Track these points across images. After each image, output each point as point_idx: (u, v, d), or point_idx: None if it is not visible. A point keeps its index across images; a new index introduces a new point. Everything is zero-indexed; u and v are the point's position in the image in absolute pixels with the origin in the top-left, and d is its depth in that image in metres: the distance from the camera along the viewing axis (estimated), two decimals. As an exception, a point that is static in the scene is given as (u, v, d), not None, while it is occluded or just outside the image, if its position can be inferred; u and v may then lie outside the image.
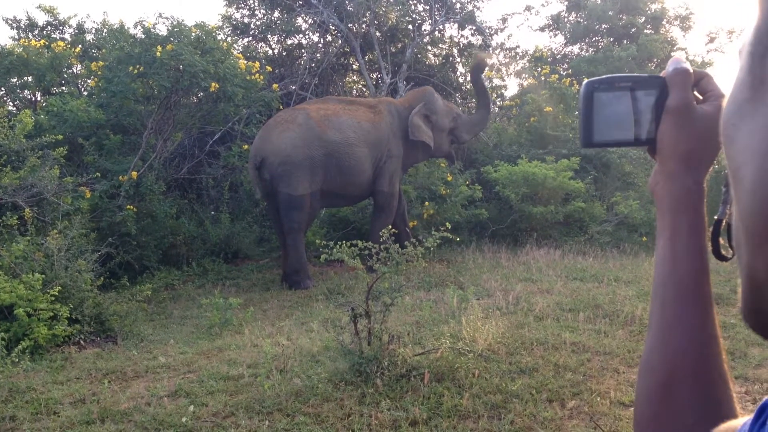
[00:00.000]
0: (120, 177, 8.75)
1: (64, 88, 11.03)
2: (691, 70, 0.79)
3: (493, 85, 16.14)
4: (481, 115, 10.04)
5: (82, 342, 6.02)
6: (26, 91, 11.01)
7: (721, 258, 0.75)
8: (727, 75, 0.48)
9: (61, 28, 12.19)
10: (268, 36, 14.30)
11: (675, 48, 16.13)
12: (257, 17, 14.15)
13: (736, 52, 0.48)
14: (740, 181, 0.45)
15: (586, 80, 0.83)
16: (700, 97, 0.80)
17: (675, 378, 0.71)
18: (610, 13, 15.97)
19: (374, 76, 14.26)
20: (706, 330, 0.72)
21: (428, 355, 4.82)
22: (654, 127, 0.80)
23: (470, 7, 14.27)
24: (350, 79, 15.54)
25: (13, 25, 11.93)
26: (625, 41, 15.73)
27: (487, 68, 12.50)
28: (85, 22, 12.25)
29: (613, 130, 0.82)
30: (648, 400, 0.73)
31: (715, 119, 0.75)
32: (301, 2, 13.59)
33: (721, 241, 0.74)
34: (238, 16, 14.12)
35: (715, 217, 0.72)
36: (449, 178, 10.66)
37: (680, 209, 0.76)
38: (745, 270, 0.47)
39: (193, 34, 9.45)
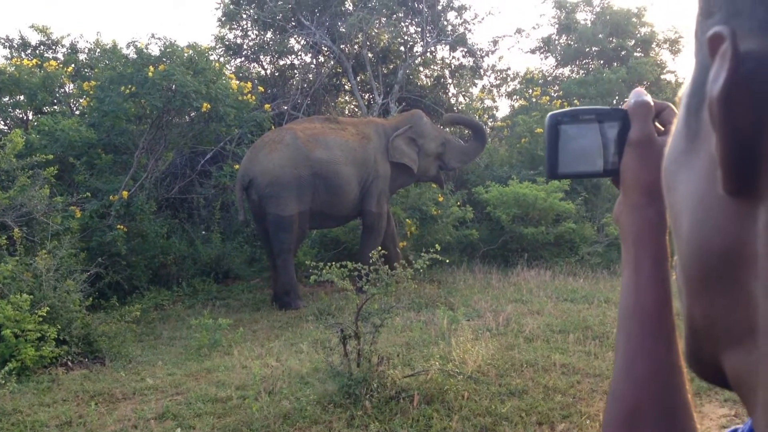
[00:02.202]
0: (111, 196, 8.74)
1: (56, 107, 11.02)
2: (652, 103, 0.80)
3: (485, 106, 16.26)
4: (473, 147, 10.00)
5: (69, 363, 5.98)
6: (18, 110, 11.00)
7: None
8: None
9: (53, 47, 12.22)
10: (261, 56, 14.39)
11: (664, 71, 16.30)
12: (250, 38, 14.26)
13: (677, 98, 0.49)
14: (679, 229, 0.47)
15: (549, 113, 0.84)
16: (662, 129, 0.81)
17: (640, 407, 0.72)
18: (600, 36, 16.13)
19: (366, 96, 14.34)
20: (670, 360, 0.73)
21: (417, 376, 4.80)
22: (617, 158, 0.81)
23: (461, 29, 14.41)
24: (342, 100, 15.63)
25: (6, 44, 11.96)
26: (615, 64, 15.89)
27: (458, 115, 12.56)
28: (78, 41, 12.27)
29: (578, 162, 0.83)
30: (614, 428, 0.74)
31: None
32: (293, 23, 13.68)
33: None
34: (231, 36, 14.22)
35: None
36: (440, 199, 10.68)
37: (643, 240, 0.77)
38: (685, 316, 0.48)
39: (186, 54, 9.49)
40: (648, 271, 0.76)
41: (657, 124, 0.81)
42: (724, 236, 0.41)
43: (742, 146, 0.38)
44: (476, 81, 15.77)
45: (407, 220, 10.36)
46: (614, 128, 0.81)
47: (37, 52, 11.99)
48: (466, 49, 14.66)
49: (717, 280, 0.42)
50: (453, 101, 15.03)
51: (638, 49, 16.53)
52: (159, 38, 10.18)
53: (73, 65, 11.52)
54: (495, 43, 15.47)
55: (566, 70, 17.43)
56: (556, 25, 17.21)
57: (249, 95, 10.54)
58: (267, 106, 11.64)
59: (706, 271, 0.43)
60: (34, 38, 12.10)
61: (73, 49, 12.16)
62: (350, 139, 8.90)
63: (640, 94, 0.81)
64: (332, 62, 14.02)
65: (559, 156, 0.83)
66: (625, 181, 0.80)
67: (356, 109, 14.61)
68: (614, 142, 0.81)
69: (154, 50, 9.79)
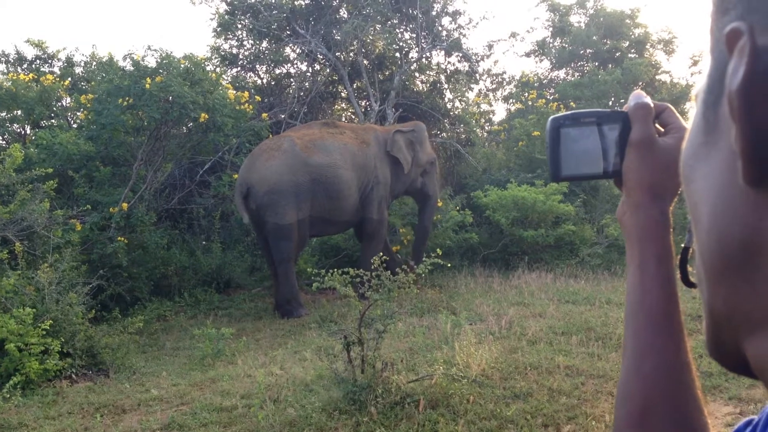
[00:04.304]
0: (110, 209, 8.75)
1: (53, 121, 11.05)
2: (652, 104, 0.82)
3: (481, 110, 16.29)
4: (435, 200, 9.97)
5: (73, 376, 5.98)
6: (15, 124, 11.01)
7: (689, 284, 0.78)
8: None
9: (50, 61, 12.22)
10: (257, 66, 14.40)
11: (659, 71, 16.34)
12: (245, 48, 14.25)
13: (693, 95, 0.51)
14: (698, 220, 0.48)
15: (551, 117, 0.86)
16: (662, 130, 0.83)
17: (650, 405, 0.73)
18: (594, 38, 16.17)
19: (363, 103, 14.36)
20: (678, 357, 0.74)
21: (422, 381, 4.81)
22: (619, 160, 0.83)
23: (456, 34, 14.43)
24: (339, 107, 15.65)
25: (2, 59, 11.98)
26: (609, 65, 15.91)
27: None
28: (74, 55, 12.27)
29: (580, 164, 0.85)
30: (626, 428, 0.75)
31: (677, 151, 0.78)
32: (288, 32, 13.70)
33: (690, 268, 0.77)
34: (226, 47, 14.22)
35: (682, 245, 0.75)
36: (439, 204, 10.70)
37: (647, 239, 0.79)
38: (705, 305, 0.49)
39: (182, 65, 9.51)
40: (653, 270, 0.77)
41: (657, 125, 0.83)
42: (744, 225, 0.43)
43: (761, 138, 0.39)
44: (472, 86, 15.80)
45: (401, 228, 10.39)
46: (615, 130, 0.83)
47: (34, 66, 12.00)
48: (461, 54, 14.67)
49: (737, 268, 0.44)
50: (449, 106, 15.05)
51: (632, 51, 16.57)
52: (155, 50, 10.18)
53: (69, 79, 11.53)
54: (490, 47, 15.50)
55: (561, 73, 17.46)
56: (550, 28, 17.26)
57: (246, 105, 10.56)
58: (264, 115, 11.66)
59: (726, 259, 0.45)
60: (30, 53, 12.11)
61: (70, 63, 12.17)
62: (349, 143, 8.91)
63: (640, 96, 0.82)
64: (328, 70, 14.03)
65: (561, 159, 0.85)
66: (627, 181, 0.81)
67: (353, 116, 14.63)
68: (615, 144, 0.83)
69: (151, 62, 9.82)
